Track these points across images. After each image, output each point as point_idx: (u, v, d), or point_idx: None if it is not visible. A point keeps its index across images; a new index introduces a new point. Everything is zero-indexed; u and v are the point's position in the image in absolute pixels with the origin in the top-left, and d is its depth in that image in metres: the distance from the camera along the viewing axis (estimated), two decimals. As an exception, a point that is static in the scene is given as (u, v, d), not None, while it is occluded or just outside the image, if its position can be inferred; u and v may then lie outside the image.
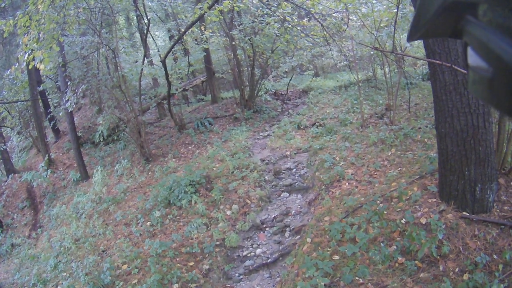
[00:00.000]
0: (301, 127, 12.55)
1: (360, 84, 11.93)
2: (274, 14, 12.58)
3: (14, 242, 12.18)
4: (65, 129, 16.66)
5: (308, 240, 6.09)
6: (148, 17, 14.54)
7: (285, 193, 8.94)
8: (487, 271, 4.45)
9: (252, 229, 7.79)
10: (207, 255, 7.02)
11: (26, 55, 8.73)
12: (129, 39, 23.56)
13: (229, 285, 6.48)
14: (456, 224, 5.06)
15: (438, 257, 4.80)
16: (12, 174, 15.86)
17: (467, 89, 4.93)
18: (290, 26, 13.23)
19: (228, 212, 8.20)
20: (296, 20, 13.06)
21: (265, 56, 15.58)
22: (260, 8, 13.31)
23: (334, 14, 12.58)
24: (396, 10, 7.86)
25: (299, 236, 6.95)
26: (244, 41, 14.18)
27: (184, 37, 14.49)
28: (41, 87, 15.63)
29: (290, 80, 18.01)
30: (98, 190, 11.61)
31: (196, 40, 17.43)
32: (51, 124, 17.06)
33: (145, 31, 14.76)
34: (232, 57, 15.67)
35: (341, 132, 10.74)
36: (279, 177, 9.67)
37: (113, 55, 12.75)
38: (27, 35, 8.55)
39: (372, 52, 13.41)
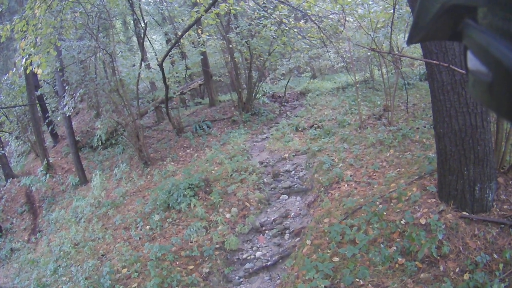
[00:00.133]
0: (299, 129, 12.54)
1: (357, 85, 11.93)
2: (271, 17, 12.60)
3: (14, 247, 12.15)
4: (63, 133, 16.65)
5: (308, 242, 6.09)
6: (145, 21, 14.55)
7: (284, 195, 8.94)
8: (487, 271, 4.45)
9: (252, 231, 7.79)
10: (206, 258, 7.01)
11: (24, 60, 8.73)
12: (126, 43, 23.56)
13: (229, 288, 6.48)
14: (456, 224, 5.06)
15: (438, 257, 4.80)
16: (11, 178, 15.83)
17: (465, 89, 4.95)
18: (287, 28, 13.26)
19: (228, 215, 8.19)
20: (292, 22, 13.09)
21: (262, 58, 15.58)
22: (257, 11, 13.32)
23: (330, 16, 12.61)
24: (392, 11, 7.89)
25: (298, 238, 6.95)
26: (241, 44, 14.18)
27: (181, 40, 14.49)
28: (39, 91, 15.60)
29: (287, 82, 18.02)
30: (97, 194, 11.59)
31: (193, 43, 17.43)
32: (49, 128, 17.02)
33: (142, 35, 14.78)
34: (229, 60, 15.68)
35: (339, 133, 10.74)
36: (278, 179, 9.66)
37: (111, 59, 12.74)
38: (24, 40, 8.55)
39: (369, 53, 13.44)
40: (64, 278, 7.69)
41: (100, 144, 15.30)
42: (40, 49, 8.67)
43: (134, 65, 15.82)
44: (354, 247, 5.38)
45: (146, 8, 19.78)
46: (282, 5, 12.30)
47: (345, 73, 17.67)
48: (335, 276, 5.05)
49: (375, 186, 7.09)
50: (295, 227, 7.46)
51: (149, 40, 20.20)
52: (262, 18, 13.18)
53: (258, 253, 7.10)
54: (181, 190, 8.88)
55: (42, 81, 16.53)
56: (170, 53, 14.28)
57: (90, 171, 14.24)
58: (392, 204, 6.09)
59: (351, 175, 7.95)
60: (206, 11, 10.17)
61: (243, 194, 8.76)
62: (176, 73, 14.70)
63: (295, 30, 13.53)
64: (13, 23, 8.45)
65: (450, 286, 4.34)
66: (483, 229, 4.92)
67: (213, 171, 10.08)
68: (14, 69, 10.14)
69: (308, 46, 15.26)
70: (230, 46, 14.57)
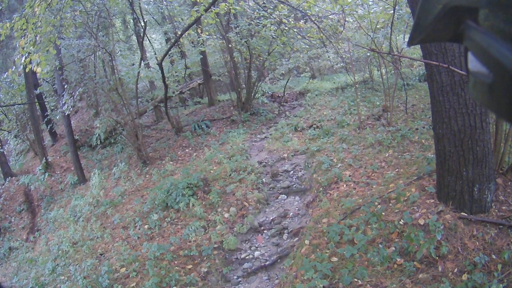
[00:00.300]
0: (298, 129, 12.54)
1: (356, 85, 11.93)
2: (271, 17, 12.59)
3: (12, 246, 12.16)
4: (62, 132, 16.63)
5: (307, 242, 6.09)
6: (145, 20, 14.52)
7: (283, 195, 8.93)
8: (486, 271, 4.46)
9: (250, 231, 7.79)
10: (205, 258, 7.01)
11: (23, 58, 8.73)
12: (126, 42, 23.52)
13: (227, 288, 6.48)
14: (455, 224, 5.07)
15: (437, 257, 4.81)
16: (10, 177, 15.81)
17: (465, 90, 4.95)
18: (286, 28, 13.25)
19: (226, 215, 8.19)
20: (292, 22, 13.08)
21: (261, 58, 15.57)
22: (257, 11, 13.32)
23: (330, 16, 12.60)
24: (392, 11, 7.89)
25: (297, 238, 6.95)
26: (241, 44, 14.17)
27: (181, 39, 14.47)
28: (38, 90, 15.59)
29: (287, 82, 18.00)
30: (96, 193, 11.59)
31: (192, 42, 17.42)
32: (48, 127, 17.00)
33: (141, 34, 14.76)
34: (228, 60, 15.68)
35: (338, 134, 10.74)
36: (277, 179, 9.66)
37: (110, 58, 12.73)
38: (23, 38, 8.54)
39: (368, 54, 13.44)
40: (63, 277, 7.69)
41: (99, 143, 15.31)
42: (39, 47, 8.67)
43: (133, 64, 15.82)
44: (353, 247, 5.38)
45: (146, 7, 19.75)
46: (282, 5, 12.30)
47: (345, 73, 17.66)
48: (334, 276, 5.05)
49: (374, 187, 7.09)
50: (294, 227, 7.46)
51: (148, 39, 20.18)
52: (262, 18, 13.17)
53: (256, 253, 7.10)
54: (179, 189, 8.88)
55: (41, 79, 16.51)
56: (170, 52, 14.26)
57: (89, 170, 14.24)
58: (390, 204, 6.09)
59: (350, 175, 7.95)
60: (206, 10, 10.17)
61: (242, 194, 8.76)
62: (176, 72, 14.68)
63: (295, 30, 13.53)
64: (12, 21, 8.45)
65: (449, 287, 4.35)
66: (481, 230, 4.93)
67: (212, 171, 10.08)
68: (14, 67, 10.14)
69: (307, 46, 15.26)
70: (230, 45, 14.56)
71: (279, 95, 18.07)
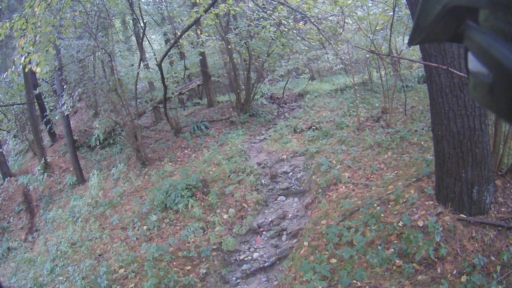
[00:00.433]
0: (297, 130, 12.54)
1: (356, 87, 11.93)
2: (270, 18, 12.60)
3: (10, 246, 12.13)
4: (61, 132, 16.61)
5: (305, 243, 6.09)
6: (144, 21, 14.54)
7: (282, 196, 8.93)
8: (485, 273, 4.46)
9: (249, 233, 7.78)
10: (204, 259, 7.01)
11: (23, 58, 8.72)
12: (125, 42, 23.53)
13: (226, 289, 6.48)
14: (454, 226, 5.07)
15: (436, 259, 4.81)
16: (8, 177, 15.79)
17: (464, 92, 4.95)
18: (286, 29, 13.24)
19: (225, 216, 8.18)
20: (292, 23, 13.09)
21: (261, 59, 15.56)
22: (256, 12, 13.32)
23: (329, 18, 12.61)
24: (392, 13, 7.90)
25: (296, 240, 6.95)
26: (240, 45, 14.17)
27: (180, 40, 14.47)
28: (37, 90, 15.56)
29: (286, 84, 17.99)
30: (95, 194, 11.58)
31: (192, 43, 17.41)
32: (47, 127, 16.99)
33: (141, 35, 14.74)
34: (228, 61, 15.66)
35: (337, 135, 10.74)
36: (276, 180, 9.66)
37: (109, 59, 12.72)
38: (23, 38, 8.54)
39: (368, 55, 13.45)
40: (61, 278, 7.68)
41: (98, 144, 15.29)
42: (39, 47, 8.67)
43: (132, 65, 15.83)
44: (352, 248, 5.38)
45: (146, 7, 19.79)
46: (281, 6, 12.30)
47: (344, 75, 17.64)
48: (333, 277, 5.05)
49: (373, 188, 7.10)
50: (293, 228, 7.46)
51: (148, 40, 20.15)
52: (261, 19, 13.18)
53: (255, 254, 7.10)
54: (178, 190, 8.88)
55: (40, 79, 16.49)
56: (169, 53, 14.26)
57: (87, 171, 14.23)
58: (389, 206, 6.10)
59: (348, 177, 7.95)
60: (205, 11, 10.17)
61: (241, 195, 8.75)
62: (175, 73, 14.68)
63: (294, 31, 13.52)
64: (12, 21, 8.44)
65: (447, 289, 4.35)
66: (480, 232, 4.93)
67: (210, 172, 10.07)
68: (13, 67, 10.13)
69: (307, 48, 15.26)
70: (229, 47, 14.56)
71: (278, 96, 18.07)
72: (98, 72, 14.84)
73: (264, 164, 10.56)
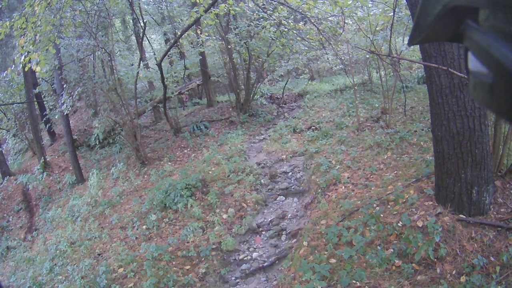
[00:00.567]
0: (297, 130, 12.55)
1: (355, 87, 11.93)
2: (270, 18, 12.59)
3: (10, 245, 12.13)
4: (61, 131, 16.62)
5: (305, 243, 6.09)
6: (144, 20, 14.52)
7: (281, 196, 8.94)
8: (484, 273, 4.46)
9: (249, 232, 7.78)
10: (203, 259, 7.01)
11: (22, 57, 8.71)
12: (125, 42, 23.52)
13: (225, 289, 6.48)
14: (453, 226, 5.07)
15: (435, 259, 4.81)
16: (8, 176, 15.79)
17: (464, 92, 4.96)
18: (286, 29, 13.24)
19: (224, 216, 8.18)
20: (292, 23, 13.08)
21: (260, 59, 15.56)
22: (256, 12, 13.31)
23: (330, 18, 12.59)
24: (392, 13, 7.89)
25: (295, 240, 6.95)
26: (240, 45, 14.16)
27: (180, 40, 14.46)
28: (37, 89, 15.58)
29: (285, 84, 17.98)
30: (94, 193, 11.58)
31: (192, 43, 17.43)
32: (47, 126, 17.00)
33: (141, 34, 14.74)
34: (227, 61, 15.66)
35: (337, 135, 10.75)
36: (275, 180, 9.66)
37: (109, 58, 12.72)
38: (23, 37, 8.53)
39: (367, 56, 13.45)
40: (60, 277, 7.67)
41: (97, 143, 15.28)
42: (39, 46, 8.66)
43: (132, 65, 15.85)
44: (351, 248, 5.38)
45: (146, 7, 19.78)
46: (281, 7, 12.29)
47: (344, 75, 17.66)
48: (332, 277, 5.05)
49: (372, 188, 7.10)
50: (292, 228, 7.46)
51: (148, 40, 20.13)
52: (261, 19, 13.17)
53: (254, 254, 7.10)
54: (178, 190, 8.88)
55: (40, 79, 16.50)
56: (169, 53, 14.25)
57: (87, 170, 14.23)
58: (389, 206, 6.10)
59: (348, 177, 7.96)
60: (205, 11, 10.16)
61: (240, 195, 8.75)
62: (175, 73, 14.68)
63: (294, 31, 13.51)
64: (12, 20, 8.43)
65: (446, 289, 4.35)
66: (480, 232, 4.93)
67: (210, 172, 10.07)
68: (13, 66, 10.10)
69: (306, 48, 15.25)
70: (229, 46, 14.56)
71: (278, 96, 18.06)
72: (98, 72, 14.85)
73: (264, 164, 10.56)
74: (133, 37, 22.18)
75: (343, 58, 14.05)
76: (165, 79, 13.37)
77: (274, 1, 12.45)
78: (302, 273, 5.21)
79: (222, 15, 12.80)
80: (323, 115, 13.47)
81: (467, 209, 5.23)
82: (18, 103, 16.45)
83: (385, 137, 9.35)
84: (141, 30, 14.45)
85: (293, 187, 9.23)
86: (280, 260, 6.63)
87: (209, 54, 18.07)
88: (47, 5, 8.26)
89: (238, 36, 13.97)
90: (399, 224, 5.48)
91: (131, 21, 19.24)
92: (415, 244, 5.00)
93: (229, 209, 8.36)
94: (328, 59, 16.69)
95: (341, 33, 12.44)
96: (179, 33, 13.13)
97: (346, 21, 12.09)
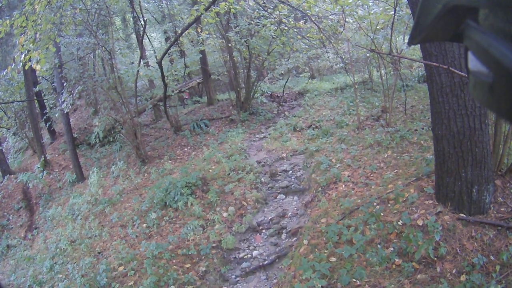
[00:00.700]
0: (297, 129, 12.55)
1: (356, 86, 11.92)
2: (271, 16, 12.58)
3: (10, 243, 12.13)
4: (61, 130, 16.61)
5: (305, 242, 6.09)
6: (145, 19, 14.50)
7: (282, 195, 8.94)
8: (484, 272, 4.46)
9: (249, 231, 7.79)
10: (203, 257, 7.01)
11: (23, 56, 8.70)
12: (126, 40, 23.52)
13: (225, 287, 6.48)
14: (453, 225, 5.07)
15: (435, 258, 4.81)
16: (8, 175, 15.79)
17: (464, 91, 4.95)
18: (286, 28, 13.22)
19: (225, 214, 8.19)
20: (292, 22, 13.06)
21: (261, 58, 15.56)
22: (257, 10, 13.31)
23: (330, 16, 12.58)
24: (392, 12, 7.89)
25: (295, 238, 6.95)
26: (240, 43, 14.16)
27: (180, 38, 14.45)
28: (37, 88, 15.56)
29: (286, 82, 17.99)
30: (94, 191, 11.58)
31: (192, 41, 17.43)
32: (47, 125, 16.99)
33: (141, 33, 14.74)
34: (228, 59, 15.66)
35: (337, 134, 10.75)
36: (275, 179, 9.66)
37: (109, 56, 12.72)
38: (23, 36, 8.52)
39: (368, 54, 13.45)
40: (61, 276, 7.68)
41: (97, 142, 15.27)
42: (39, 45, 8.65)
43: (132, 63, 15.87)
44: (351, 247, 5.38)
45: (146, 5, 19.77)
46: (282, 5, 12.27)
47: (344, 74, 17.67)
48: (332, 276, 5.06)
49: (373, 187, 7.10)
50: (292, 226, 7.47)
51: (148, 38, 20.16)
52: (262, 17, 13.17)
53: (255, 252, 7.11)
54: (178, 188, 8.88)
55: (40, 77, 16.51)
56: (169, 51, 14.24)
57: (87, 169, 14.24)
58: (389, 205, 6.10)
59: (348, 176, 7.96)
60: (206, 9, 10.15)
61: (240, 193, 8.76)
62: (175, 71, 14.68)
63: (295, 30, 13.51)
64: (12, 19, 8.43)
65: (446, 288, 4.36)
66: (480, 231, 4.93)
67: (210, 170, 10.07)
68: (13, 64, 10.11)
69: (307, 47, 15.25)
70: (229, 45, 14.56)
71: (278, 95, 18.07)
72: (98, 70, 14.84)
73: (264, 162, 10.56)
74: (134, 36, 22.18)
75: (343, 56, 14.07)
76: (166, 78, 13.36)
77: (275, 0, 12.44)
78: (302, 272, 5.21)
79: (222, 14, 12.78)
80: (324, 113, 13.47)
81: (467, 208, 5.23)
82: (18, 101, 16.45)
83: (385, 136, 9.35)
84: (142, 28, 14.46)
85: (293, 185, 9.24)
86: (280, 259, 6.63)
87: (209, 53, 18.07)
88: (47, 3, 8.25)
89: (238, 35, 13.97)
90: (399, 223, 5.48)
91: (131, 19, 19.21)
92: (415, 243, 5.00)
93: (229, 207, 8.36)
94: (328, 57, 16.70)
95: (342, 32, 12.44)
96: (179, 32, 13.13)
97: (347, 19, 12.07)
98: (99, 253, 8.13)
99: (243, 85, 15.76)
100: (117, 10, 16.87)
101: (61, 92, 12.33)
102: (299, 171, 9.78)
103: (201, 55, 15.75)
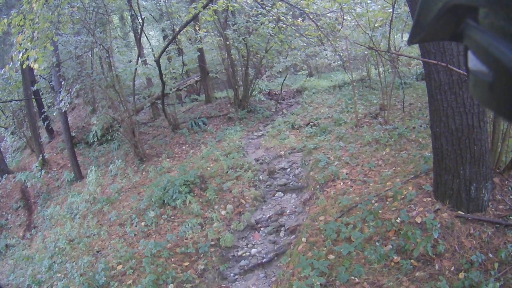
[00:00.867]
0: (295, 126, 12.55)
1: (354, 83, 11.94)
2: (269, 14, 12.57)
3: (9, 243, 12.11)
4: (59, 129, 16.59)
5: (303, 239, 6.10)
6: (142, 17, 14.48)
7: (280, 192, 8.94)
8: (482, 270, 4.47)
9: (247, 229, 7.79)
10: (202, 255, 7.01)
11: (20, 54, 8.69)
12: (123, 38, 23.50)
13: (224, 285, 6.48)
14: (452, 223, 5.08)
15: (434, 256, 4.82)
16: (6, 174, 15.75)
17: (463, 89, 4.96)
18: (284, 26, 13.21)
19: (223, 212, 8.19)
20: (290, 19, 13.05)
21: (259, 56, 15.56)
22: (255, 8, 13.31)
23: (328, 14, 12.58)
24: (391, 10, 7.89)
25: (294, 236, 6.96)
26: (238, 41, 14.16)
27: (178, 36, 14.45)
28: (35, 86, 15.55)
29: (284, 80, 17.99)
30: (92, 190, 11.57)
31: (190, 39, 17.42)
32: (45, 124, 16.98)
33: (139, 31, 14.72)
34: (226, 57, 15.64)
35: (335, 131, 10.75)
36: (274, 176, 9.66)
37: (107, 55, 12.70)
38: (21, 34, 8.51)
39: (366, 52, 13.43)
40: (59, 275, 7.67)
41: (95, 140, 15.27)
42: (37, 43, 8.64)
43: (130, 61, 15.79)
44: (350, 245, 5.39)
45: (144, 3, 19.72)
46: (280, 3, 12.27)
47: (342, 71, 17.68)
48: (331, 273, 5.06)
49: (371, 185, 7.11)
50: (291, 224, 7.47)
51: (146, 36, 20.12)
52: (260, 15, 13.16)
53: (253, 250, 7.11)
54: (176, 186, 8.88)
55: (38, 76, 16.49)
56: (167, 49, 14.23)
57: (85, 167, 14.22)
58: (387, 202, 6.11)
59: (346, 173, 7.96)
60: (204, 7, 10.15)
61: (239, 191, 8.76)
62: (173, 69, 14.67)
63: (293, 27, 13.49)
64: (10, 17, 8.42)
65: (446, 285, 4.36)
66: (478, 229, 4.94)
67: (208, 168, 10.07)
68: (11, 63, 10.06)
69: (305, 44, 15.25)
70: (227, 43, 14.54)
71: (276, 92, 18.07)
72: (96, 68, 14.79)
73: (262, 160, 10.56)
74: (131, 34, 22.13)
75: (341, 54, 14.04)
76: (163, 76, 13.35)
77: (273, -3, 12.44)
78: (300, 269, 5.21)
79: (220, 11, 12.77)
80: (322, 111, 13.47)
81: (466, 205, 5.24)
82: (16, 100, 16.43)
83: (383, 134, 9.36)
84: (139, 27, 14.43)
85: (291, 183, 9.24)
86: (278, 256, 6.64)
87: (207, 51, 18.05)
88: (45, 2, 8.24)
89: (236, 32, 13.97)
90: (397, 220, 5.49)
91: (129, 17, 19.23)
92: (413, 240, 5.01)
93: (227, 205, 8.37)
94: (326, 55, 16.66)
95: (340, 29, 12.44)
96: (177, 30, 13.10)
97: (345, 17, 12.05)
98: (97, 252, 8.12)
99: (241, 83, 15.76)
100: (115, 8, 16.84)
101: (59, 90, 12.30)
102: (297, 168, 9.78)
103: (199, 53, 15.73)
